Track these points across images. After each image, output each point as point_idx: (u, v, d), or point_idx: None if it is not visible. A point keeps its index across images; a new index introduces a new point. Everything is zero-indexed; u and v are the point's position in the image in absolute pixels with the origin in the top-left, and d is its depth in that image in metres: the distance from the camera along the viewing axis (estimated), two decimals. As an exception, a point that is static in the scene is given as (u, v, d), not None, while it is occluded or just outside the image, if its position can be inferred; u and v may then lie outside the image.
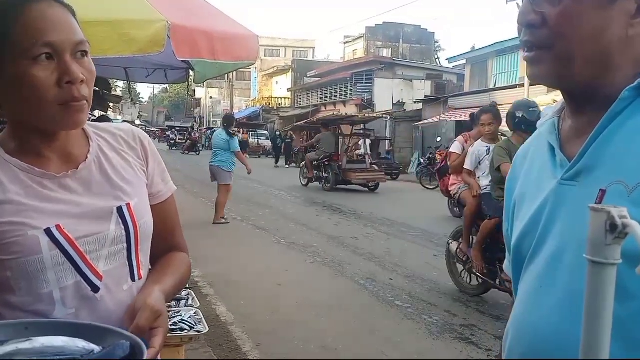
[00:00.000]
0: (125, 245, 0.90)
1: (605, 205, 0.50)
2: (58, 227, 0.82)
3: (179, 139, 34.94)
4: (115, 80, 6.66)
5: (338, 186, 13.17)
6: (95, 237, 0.86)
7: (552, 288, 0.69)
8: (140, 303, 0.83)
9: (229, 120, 8.31)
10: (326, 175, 13.36)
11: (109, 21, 2.14)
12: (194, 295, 2.95)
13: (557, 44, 0.68)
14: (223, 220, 7.94)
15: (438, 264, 5.77)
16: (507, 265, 0.90)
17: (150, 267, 0.99)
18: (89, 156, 0.91)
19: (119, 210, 0.89)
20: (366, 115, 19.82)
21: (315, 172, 13.58)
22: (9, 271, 0.80)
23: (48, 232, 0.81)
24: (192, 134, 33.11)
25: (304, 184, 14.09)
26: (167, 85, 30.69)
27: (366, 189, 13.39)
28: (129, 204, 0.91)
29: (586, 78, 0.69)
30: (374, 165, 13.63)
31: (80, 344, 0.74)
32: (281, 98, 38.51)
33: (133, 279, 0.91)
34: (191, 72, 3.60)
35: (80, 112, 0.84)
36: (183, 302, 2.65)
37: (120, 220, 0.89)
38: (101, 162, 0.92)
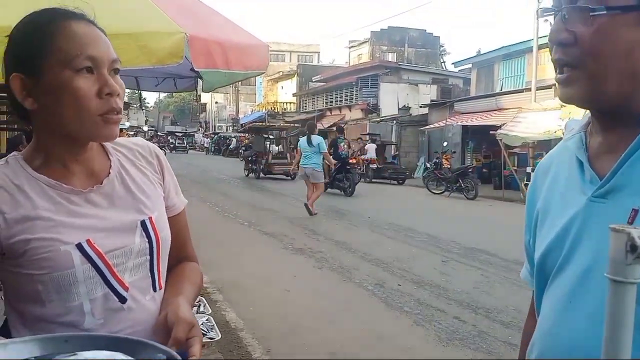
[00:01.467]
0: (148, 257, 0.93)
1: (626, 225, 0.53)
2: (88, 241, 0.85)
3: (178, 143, 41.45)
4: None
5: (267, 175, 17.88)
6: (122, 250, 0.89)
7: (583, 304, 0.70)
8: (173, 317, 0.85)
9: (311, 127, 9.86)
10: (255, 167, 18.33)
11: (130, 33, 2.18)
12: (205, 302, 3.00)
13: (590, 62, 0.68)
14: (315, 213, 9.25)
15: (446, 270, 5.79)
16: (524, 273, 0.91)
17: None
18: (112, 171, 0.94)
19: (142, 223, 0.93)
20: (288, 124, 25.11)
21: (251, 165, 18.71)
22: (40, 285, 0.83)
23: (79, 247, 0.84)
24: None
25: (245, 175, 18.87)
26: (173, 91, 31.22)
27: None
28: (151, 217, 0.94)
29: (618, 97, 0.69)
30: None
31: (119, 357, 0.78)
32: (286, 103, 38.64)
33: (155, 289, 0.95)
34: (200, 81, 3.65)
35: (116, 124, 0.89)
36: (195, 308, 2.69)
37: (143, 233, 0.93)
38: (123, 177, 0.95)
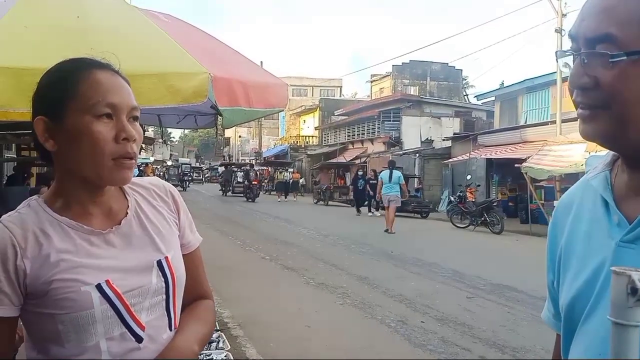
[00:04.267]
0: (164, 296, 0.95)
1: (627, 268, 0.53)
2: (107, 282, 0.88)
3: (195, 176, 43.32)
4: (148, 123, 7.00)
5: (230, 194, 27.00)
6: (139, 290, 0.91)
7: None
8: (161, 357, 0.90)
9: (393, 163, 13.56)
10: (225, 189, 28.50)
11: (156, 74, 2.29)
12: (224, 337, 2.98)
13: (613, 105, 0.67)
14: (393, 232, 12.03)
15: (471, 307, 5.62)
16: (546, 315, 0.88)
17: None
18: (129, 212, 0.97)
19: (159, 263, 0.95)
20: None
21: (224, 188, 28.57)
22: (60, 324, 0.86)
23: (99, 287, 0.87)
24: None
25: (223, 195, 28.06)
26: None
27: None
28: (167, 257, 0.97)
29: None
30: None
31: None
32: (309, 136, 39.12)
33: (170, 329, 0.96)
34: (220, 118, 3.77)
35: (130, 169, 0.92)
36: (214, 344, 2.67)
37: (160, 273, 0.95)
38: (140, 217, 0.98)
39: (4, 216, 0.90)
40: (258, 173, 31.62)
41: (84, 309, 0.85)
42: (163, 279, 0.95)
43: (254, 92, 2.79)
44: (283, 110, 4.20)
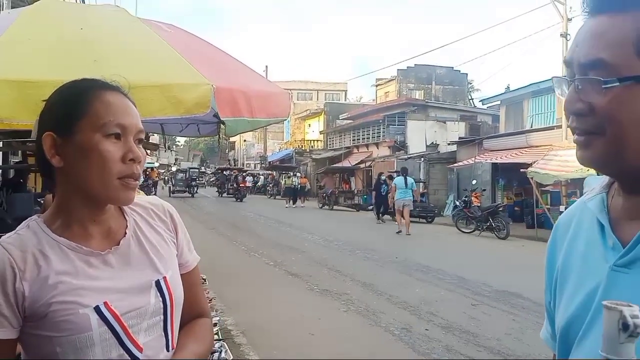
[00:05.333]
0: (162, 317, 0.95)
1: (619, 302, 0.53)
2: (106, 304, 0.88)
3: (198, 180, 45.19)
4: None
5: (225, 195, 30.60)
6: (137, 312, 0.91)
7: None
8: None
9: (406, 170, 14.45)
10: (220, 191, 32.02)
11: (159, 85, 2.30)
12: (227, 347, 2.98)
13: (608, 130, 0.67)
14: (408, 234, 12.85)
15: (476, 314, 5.59)
16: (544, 334, 0.88)
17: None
18: (128, 232, 0.97)
19: (157, 283, 0.95)
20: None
21: (220, 190, 32.05)
22: (58, 347, 0.86)
23: (97, 309, 0.87)
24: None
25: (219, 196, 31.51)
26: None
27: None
28: (165, 277, 0.97)
29: (638, 163, 0.68)
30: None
31: None
32: (314, 140, 39.16)
33: (168, 349, 0.96)
34: (222, 126, 3.78)
35: (134, 189, 0.93)
36: (216, 354, 2.68)
37: (158, 293, 0.95)
38: (138, 237, 0.98)
39: (3, 237, 0.91)
40: (258, 176, 35.76)
41: (82, 332, 0.85)
42: (161, 299, 0.95)
43: (256, 102, 2.80)
44: (286, 120, 4.22)
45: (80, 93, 0.92)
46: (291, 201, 24.83)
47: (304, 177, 29.06)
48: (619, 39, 0.66)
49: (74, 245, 0.91)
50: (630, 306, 0.51)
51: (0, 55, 2.10)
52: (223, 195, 31.45)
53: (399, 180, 13.74)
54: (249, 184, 32.64)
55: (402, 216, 13.27)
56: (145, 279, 0.95)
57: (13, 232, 0.92)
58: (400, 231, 13.04)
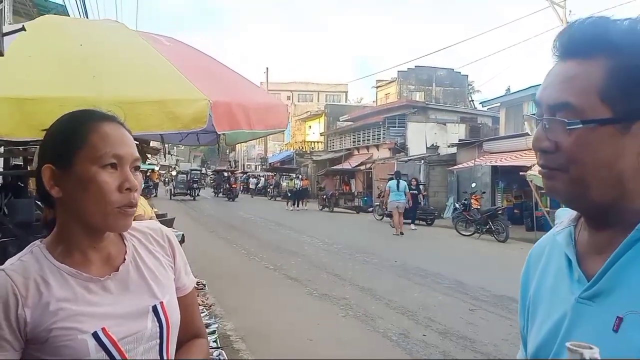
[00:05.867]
0: (158, 341, 0.98)
1: (582, 344, 0.56)
2: (104, 330, 0.91)
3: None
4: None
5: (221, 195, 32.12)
6: (134, 337, 0.94)
7: None
8: None
9: (399, 173, 15.27)
10: (216, 191, 34.75)
11: (157, 101, 2.34)
12: (225, 355, 3.02)
13: (572, 169, 0.71)
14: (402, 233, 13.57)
15: (474, 319, 5.62)
16: (520, 356, 0.91)
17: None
18: (127, 257, 1.00)
19: (154, 308, 0.98)
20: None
21: (216, 190, 34.52)
22: None
23: (95, 335, 0.90)
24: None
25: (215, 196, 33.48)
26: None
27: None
28: (162, 302, 1.00)
29: (601, 202, 0.71)
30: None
31: None
32: (314, 142, 39.19)
33: None
34: (222, 136, 3.81)
35: (131, 216, 0.96)
36: (215, 362, 2.71)
37: (155, 318, 0.98)
38: (137, 263, 1.01)
39: (6, 263, 0.94)
40: (259, 177, 37.48)
41: (81, 357, 0.88)
42: (158, 324, 0.98)
43: (254, 114, 2.84)
44: (284, 130, 4.25)
45: (77, 126, 0.95)
46: (294, 204, 24.71)
47: (306, 180, 29.05)
48: (585, 85, 0.70)
49: (74, 272, 0.94)
50: (591, 348, 0.54)
51: (0, 73, 2.13)
52: (218, 195, 33.46)
53: (392, 183, 14.49)
54: (239, 185, 35.73)
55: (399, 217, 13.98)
56: (142, 305, 0.98)
57: (16, 257, 0.95)
58: (396, 233, 13.66)
